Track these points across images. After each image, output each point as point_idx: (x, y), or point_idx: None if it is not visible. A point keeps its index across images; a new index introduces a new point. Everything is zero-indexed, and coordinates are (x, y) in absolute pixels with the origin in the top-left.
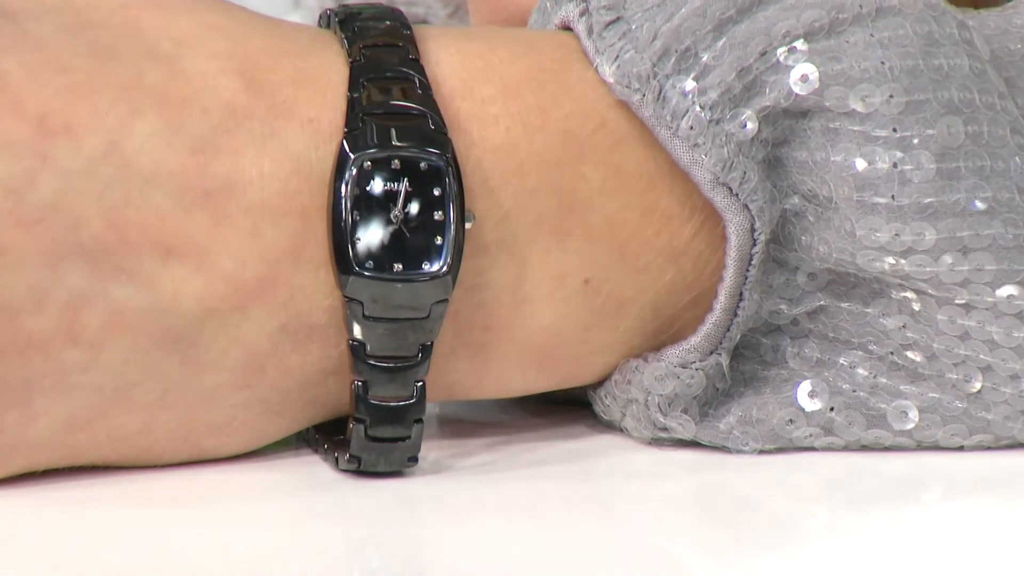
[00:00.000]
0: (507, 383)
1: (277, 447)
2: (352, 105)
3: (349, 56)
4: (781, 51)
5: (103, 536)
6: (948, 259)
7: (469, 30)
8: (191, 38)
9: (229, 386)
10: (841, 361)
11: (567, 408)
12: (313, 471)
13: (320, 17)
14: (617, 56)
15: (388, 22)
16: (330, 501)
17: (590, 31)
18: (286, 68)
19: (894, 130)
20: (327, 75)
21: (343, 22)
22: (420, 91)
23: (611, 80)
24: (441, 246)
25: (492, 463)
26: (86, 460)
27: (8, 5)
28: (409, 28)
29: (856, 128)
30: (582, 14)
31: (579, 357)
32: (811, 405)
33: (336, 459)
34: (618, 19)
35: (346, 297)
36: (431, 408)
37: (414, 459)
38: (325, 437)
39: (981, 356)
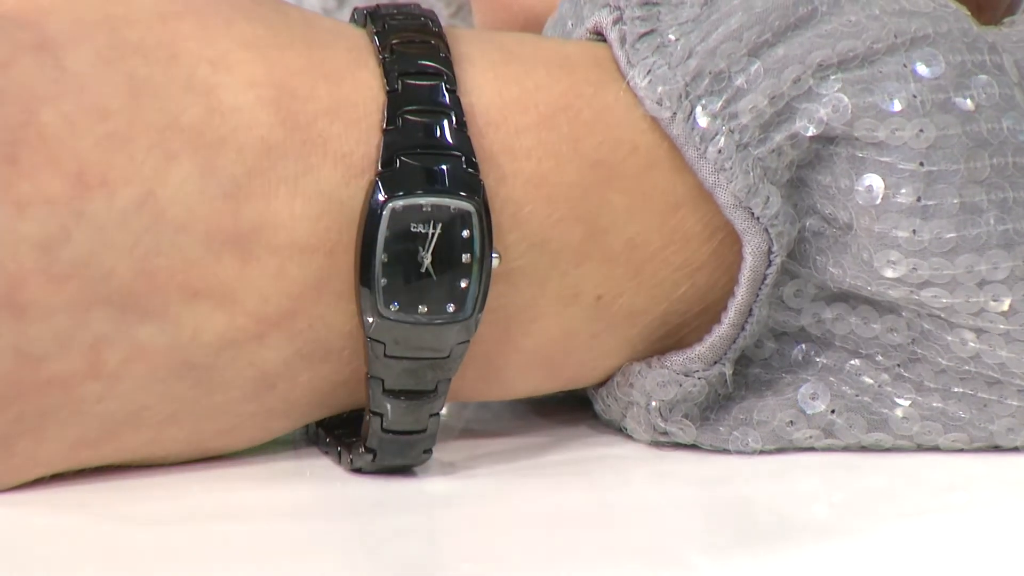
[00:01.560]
0: (511, 388)
1: (278, 445)
2: (387, 139)
3: (386, 83)
4: (814, 79)
5: (105, 539)
6: (963, 292)
7: (507, 46)
8: (228, 60)
9: (238, 401)
10: (846, 367)
11: (568, 408)
12: (316, 471)
13: (354, 13)
14: (650, 70)
15: (432, 41)
16: (334, 503)
17: (623, 40)
18: (322, 96)
19: (921, 164)
20: (363, 103)
21: (380, 34)
22: (456, 126)
23: (642, 94)
24: (467, 289)
25: (493, 464)
26: (90, 467)
27: (47, 31)
28: (447, 48)
29: (883, 159)
30: (616, 22)
31: (584, 362)
32: (812, 407)
33: (340, 455)
34: (652, 31)
35: (369, 338)
36: None
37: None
38: (327, 431)
39: (990, 374)
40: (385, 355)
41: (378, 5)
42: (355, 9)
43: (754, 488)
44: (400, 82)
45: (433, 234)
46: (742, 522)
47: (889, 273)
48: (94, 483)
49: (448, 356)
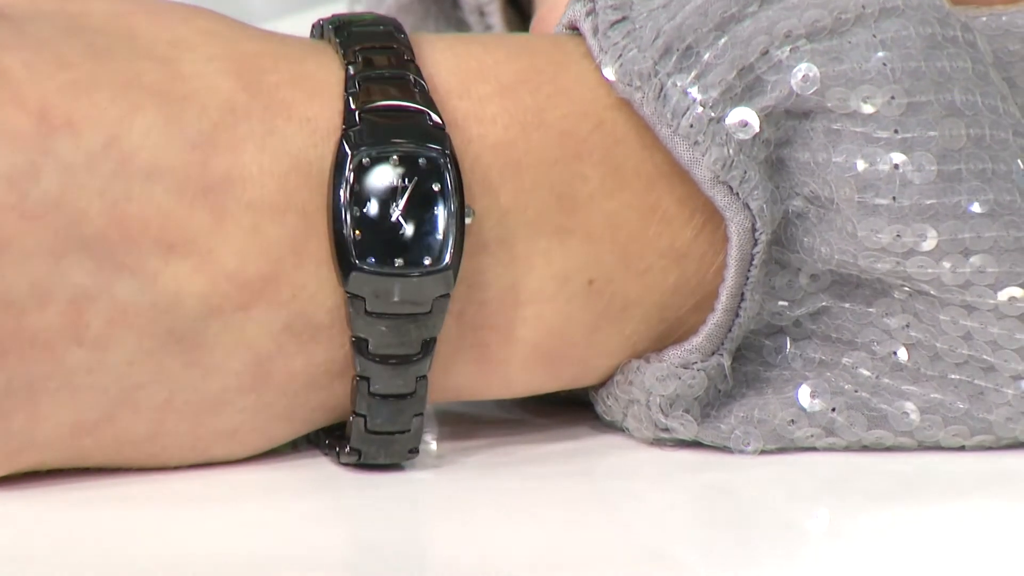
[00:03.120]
0: (512, 384)
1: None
2: (349, 104)
3: (344, 59)
4: (783, 50)
5: (104, 537)
6: (949, 261)
7: (464, 34)
8: (187, 41)
9: (235, 390)
10: (844, 361)
11: (569, 408)
12: (314, 468)
13: (312, 27)
14: (620, 55)
15: (382, 27)
16: (331, 498)
17: (595, 30)
18: (282, 70)
19: (895, 131)
20: (323, 76)
21: (337, 28)
22: (416, 90)
23: (613, 78)
24: (442, 241)
25: (494, 462)
26: (93, 462)
27: (4, 8)
28: (404, 32)
29: (858, 129)
30: (588, 14)
31: (584, 359)
32: (813, 405)
33: (337, 453)
34: (623, 19)
35: (348, 293)
36: (433, 407)
37: (414, 451)
38: (326, 432)
39: (984, 357)
40: (366, 311)
41: (335, 14)
42: (313, 24)
43: (755, 488)
44: (359, 56)
45: (403, 187)
46: (742, 522)
47: (874, 242)
48: (95, 482)
49: (430, 312)
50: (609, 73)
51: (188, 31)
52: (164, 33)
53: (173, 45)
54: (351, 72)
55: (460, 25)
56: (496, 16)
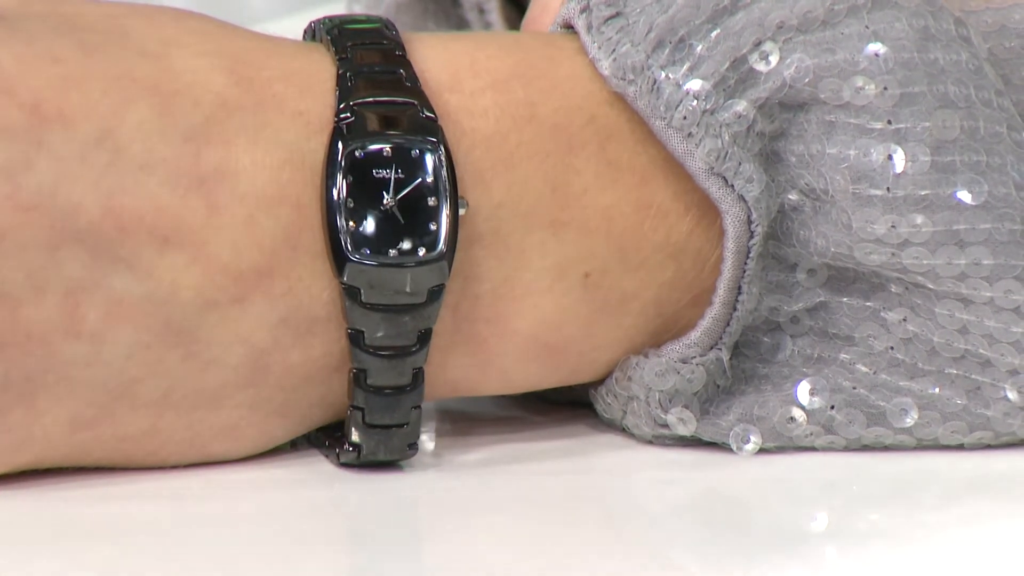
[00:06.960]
0: (510, 379)
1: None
2: (341, 98)
3: (335, 56)
4: (775, 42)
5: (102, 534)
6: (945, 253)
7: (457, 32)
8: (179, 40)
9: (233, 385)
10: (842, 357)
11: (568, 408)
12: (313, 467)
13: (305, 31)
14: (614, 50)
15: (373, 25)
16: (329, 497)
17: (589, 27)
18: (274, 66)
19: (889, 122)
20: (315, 72)
21: (329, 28)
22: (408, 84)
23: (607, 73)
24: (435, 231)
25: (492, 462)
26: (92, 460)
27: None
28: (395, 30)
29: (852, 120)
30: (582, 11)
31: (582, 353)
32: (812, 403)
33: (337, 454)
34: (617, 15)
35: (343, 285)
36: (431, 405)
37: (414, 446)
38: (326, 434)
39: (980, 351)
40: (361, 303)
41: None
42: (305, 28)
43: (753, 488)
44: (350, 53)
45: (396, 178)
46: (740, 523)
47: (869, 233)
48: (94, 479)
49: (425, 302)
50: (603, 68)
51: (179, 31)
52: (156, 32)
53: (165, 43)
54: (342, 68)
55: (460, 24)
56: (495, 14)
